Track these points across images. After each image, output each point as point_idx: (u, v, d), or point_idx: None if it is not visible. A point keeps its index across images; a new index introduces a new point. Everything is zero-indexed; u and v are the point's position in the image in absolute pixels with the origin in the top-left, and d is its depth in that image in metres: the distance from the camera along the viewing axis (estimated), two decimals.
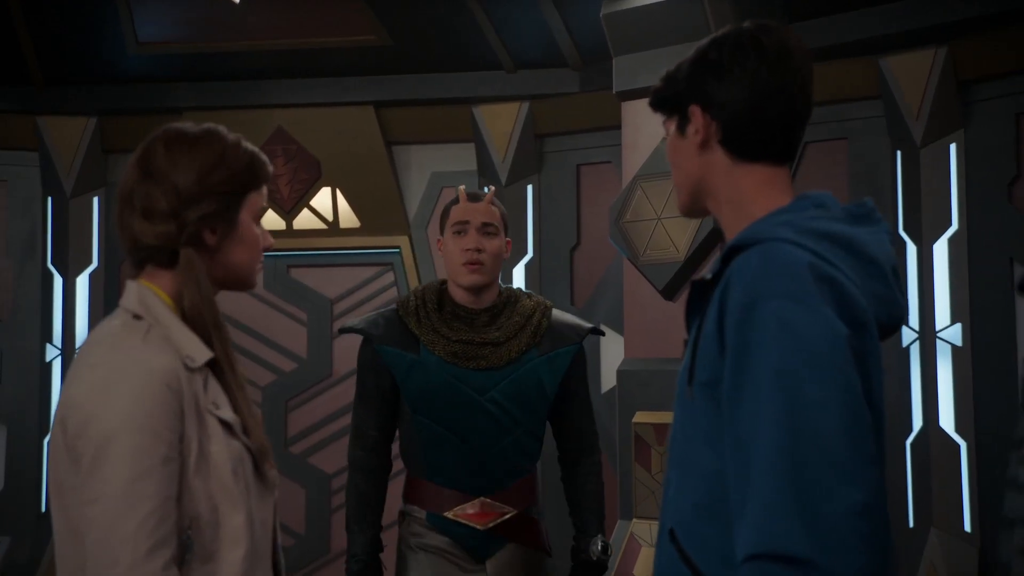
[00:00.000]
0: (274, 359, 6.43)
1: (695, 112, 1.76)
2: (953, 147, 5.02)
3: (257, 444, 1.88)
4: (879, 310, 1.66)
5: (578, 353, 3.23)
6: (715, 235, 4.73)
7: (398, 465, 3.23)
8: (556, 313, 3.27)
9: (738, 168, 1.75)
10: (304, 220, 6.37)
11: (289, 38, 6.12)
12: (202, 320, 1.87)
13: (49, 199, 6.44)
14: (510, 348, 3.13)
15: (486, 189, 3.32)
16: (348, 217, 6.34)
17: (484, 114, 6.19)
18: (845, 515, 1.46)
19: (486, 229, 3.15)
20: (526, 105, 6.14)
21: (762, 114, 1.72)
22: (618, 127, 5.37)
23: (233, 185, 1.91)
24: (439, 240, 3.24)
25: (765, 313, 1.55)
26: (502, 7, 5.82)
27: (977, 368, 4.92)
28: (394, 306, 3.21)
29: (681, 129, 1.80)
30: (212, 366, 1.89)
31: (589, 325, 3.30)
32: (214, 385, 1.87)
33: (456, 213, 3.18)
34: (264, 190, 1.98)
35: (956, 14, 4.90)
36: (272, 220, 6.34)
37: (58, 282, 6.43)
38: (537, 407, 3.16)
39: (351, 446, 3.21)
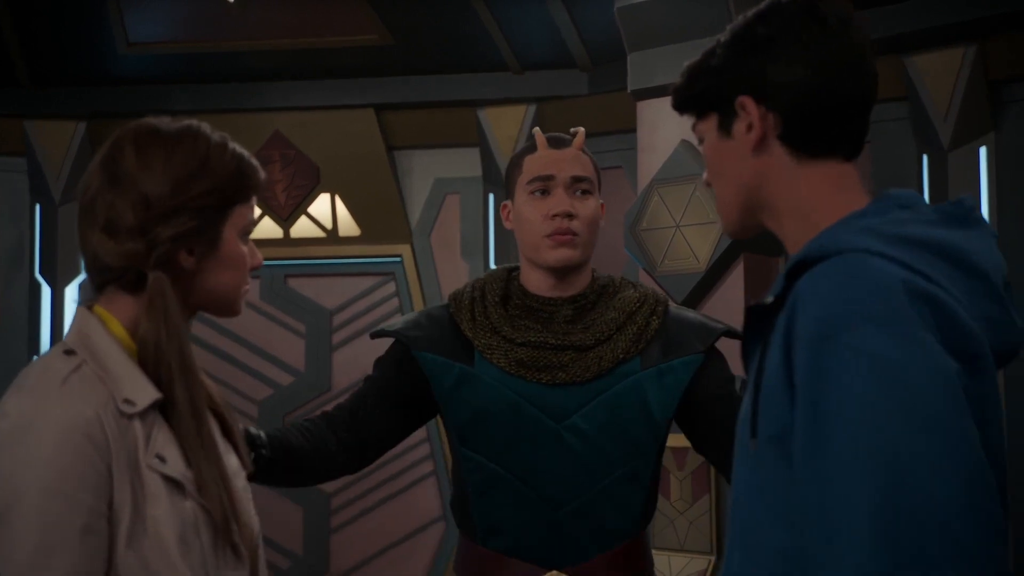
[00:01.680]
0: (271, 372, 6.29)
1: (746, 104, 1.44)
2: (983, 150, 4.86)
3: (216, 508, 1.54)
4: (992, 336, 1.33)
5: (703, 366, 2.30)
6: (739, 244, 4.51)
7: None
8: (674, 310, 2.37)
9: (802, 168, 1.43)
10: (302, 228, 6.26)
11: (286, 38, 6.01)
12: (161, 358, 1.56)
13: (37, 206, 6.28)
14: (601, 355, 2.25)
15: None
16: (348, 225, 6.23)
17: (489, 117, 6.05)
18: None
19: (579, 186, 2.30)
20: (533, 108, 6.00)
21: (830, 98, 1.42)
22: (629, 130, 5.19)
23: (216, 197, 1.60)
24: (504, 205, 2.38)
25: (847, 345, 1.23)
26: (508, 6, 5.70)
27: (1009, 383, 4.73)
28: (447, 302, 2.40)
29: (725, 129, 1.47)
30: (165, 410, 1.56)
31: (722, 325, 2.36)
32: (163, 434, 1.55)
33: (533, 165, 2.31)
34: (253, 201, 1.67)
35: (986, 10, 4.72)
36: (269, 228, 6.24)
37: (46, 292, 6.27)
38: (641, 441, 2.27)
39: None
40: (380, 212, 6.20)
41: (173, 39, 6.05)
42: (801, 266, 1.35)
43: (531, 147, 2.35)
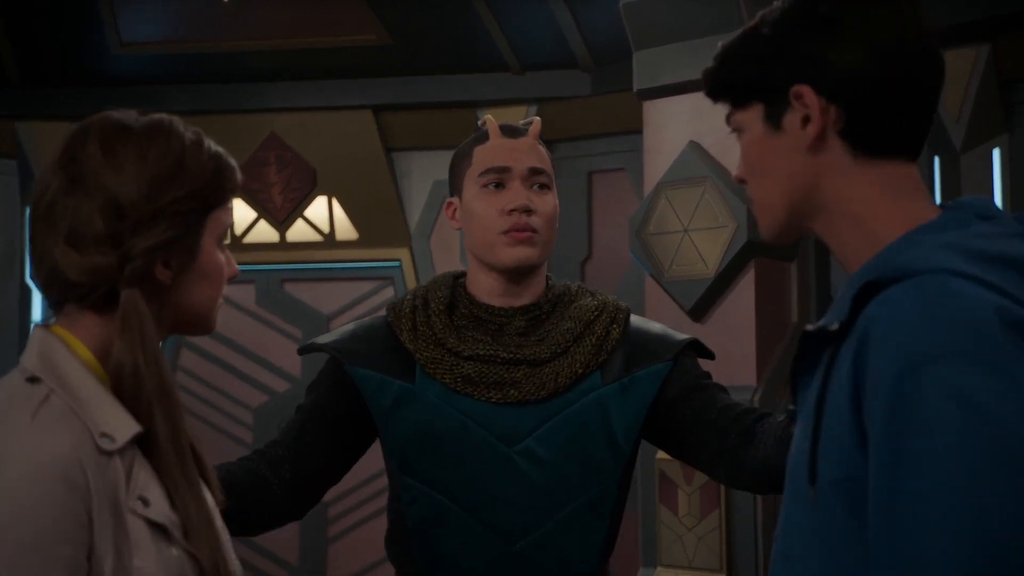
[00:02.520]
0: (266, 379, 6.21)
1: (804, 95, 1.26)
2: (996, 153, 4.77)
3: (206, 556, 1.35)
4: None
5: (670, 372, 2.08)
6: (750, 249, 4.40)
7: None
8: (636, 321, 2.14)
9: (862, 169, 1.27)
10: (298, 231, 6.19)
11: (283, 38, 5.95)
12: (140, 387, 1.37)
13: (28, 209, 6.12)
14: (557, 370, 2.03)
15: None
16: (345, 228, 6.17)
17: None
18: None
19: (537, 179, 2.08)
20: (534, 109, 5.90)
21: (900, 89, 1.25)
22: (632, 132, 5.10)
23: (195, 202, 1.42)
24: (450, 203, 2.16)
25: (934, 383, 1.08)
26: (509, 5, 5.63)
27: None
28: (383, 312, 2.17)
29: (774, 121, 1.29)
30: (143, 444, 1.37)
31: (685, 336, 2.15)
32: (145, 472, 1.36)
33: (485, 156, 2.09)
34: (231, 205, 1.49)
35: (998, 8, 4.63)
36: (265, 231, 6.18)
37: (37, 298, 6.19)
38: (603, 464, 2.04)
39: None
40: (378, 215, 6.14)
41: (167, 39, 5.99)
42: (871, 288, 1.18)
43: (481, 136, 2.13)
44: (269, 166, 6.09)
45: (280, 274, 6.20)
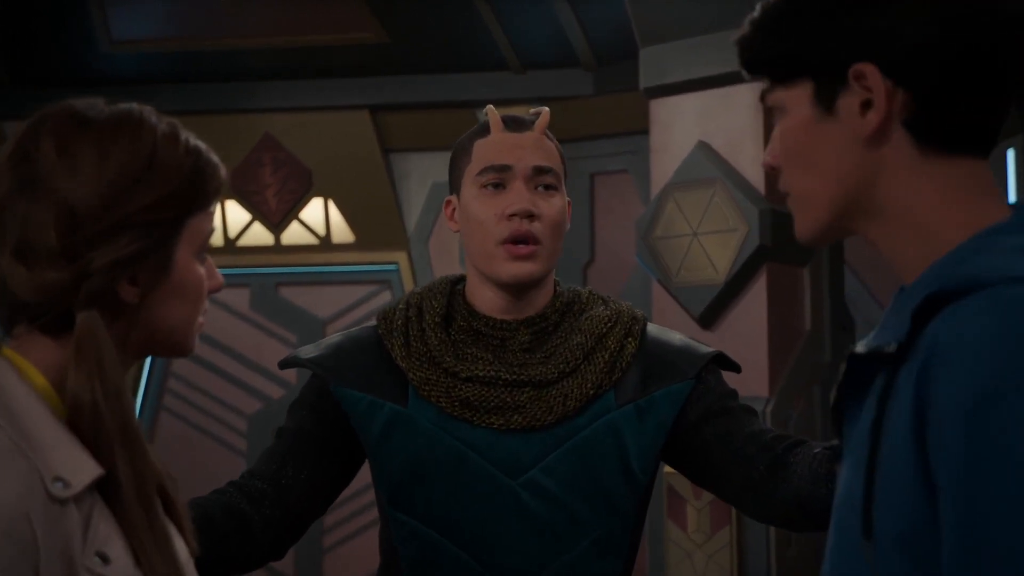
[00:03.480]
0: (261, 385, 6.19)
1: (867, 75, 1.07)
2: (1010, 153, 4.74)
3: None
4: None
5: (691, 392, 1.88)
6: (762, 253, 4.32)
7: None
8: (653, 331, 1.93)
9: (929, 166, 1.08)
10: (294, 234, 6.19)
11: (277, 36, 5.93)
12: (100, 425, 1.19)
13: None
14: (566, 392, 1.83)
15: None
16: (341, 231, 6.16)
17: None
18: None
19: (542, 179, 1.87)
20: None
21: (980, 71, 1.08)
22: (635, 133, 5.08)
23: (167, 208, 1.23)
24: (448, 202, 1.95)
25: (1018, 419, 0.93)
26: (509, 1, 5.60)
27: None
28: (373, 322, 1.97)
29: (825, 104, 1.10)
30: (104, 490, 1.19)
31: (709, 349, 1.92)
32: (105, 523, 1.18)
33: (485, 152, 1.89)
34: (213, 209, 1.30)
35: (1012, 3, 4.55)
36: (259, 234, 6.17)
37: None
38: (617, 497, 1.85)
39: None
40: (375, 217, 6.13)
41: (158, 37, 5.97)
42: (934, 301, 1.02)
43: (482, 129, 1.91)
44: (264, 167, 6.09)
45: (275, 278, 6.19)
